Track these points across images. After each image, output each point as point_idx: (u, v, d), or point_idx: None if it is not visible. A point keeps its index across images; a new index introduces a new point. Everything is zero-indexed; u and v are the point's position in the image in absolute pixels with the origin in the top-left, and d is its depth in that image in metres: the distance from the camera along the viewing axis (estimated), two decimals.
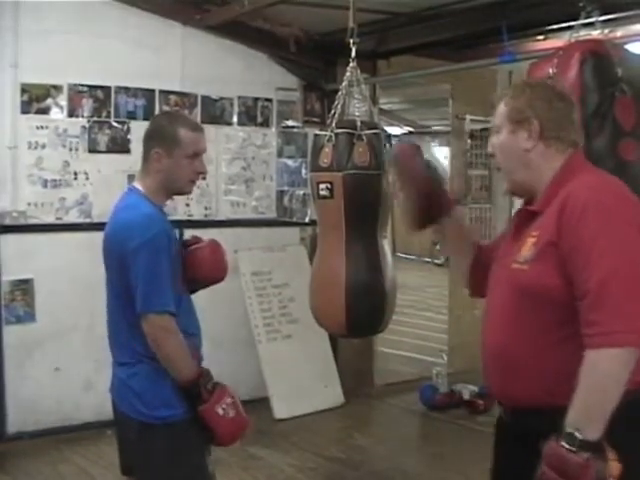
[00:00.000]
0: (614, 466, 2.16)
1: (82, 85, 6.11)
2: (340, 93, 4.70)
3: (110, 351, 3.22)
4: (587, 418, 2.19)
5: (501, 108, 2.59)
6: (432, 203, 2.93)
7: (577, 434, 2.17)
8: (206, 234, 3.46)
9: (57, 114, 6.04)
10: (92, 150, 6.19)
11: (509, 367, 2.49)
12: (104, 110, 6.22)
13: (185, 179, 3.10)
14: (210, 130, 6.55)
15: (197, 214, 6.72)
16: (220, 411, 3.00)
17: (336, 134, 4.33)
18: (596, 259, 2.24)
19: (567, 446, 2.17)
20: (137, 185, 3.16)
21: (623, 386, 2.18)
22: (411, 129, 15.72)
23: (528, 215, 2.54)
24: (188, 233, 3.40)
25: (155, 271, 2.92)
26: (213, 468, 3.18)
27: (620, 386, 2.18)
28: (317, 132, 4.61)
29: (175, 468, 3.03)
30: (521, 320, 2.45)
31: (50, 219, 6.03)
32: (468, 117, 8.19)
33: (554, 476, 2.19)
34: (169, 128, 3.07)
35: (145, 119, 6.33)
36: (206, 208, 6.78)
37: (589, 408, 2.20)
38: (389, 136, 4.55)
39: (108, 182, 6.22)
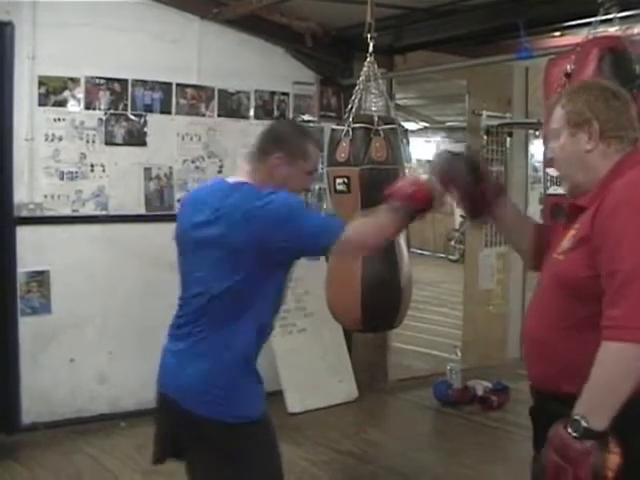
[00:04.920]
0: (612, 459, 2.21)
1: (99, 78, 6.11)
2: (357, 88, 4.71)
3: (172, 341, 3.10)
4: (593, 408, 2.25)
5: (558, 112, 2.63)
6: (477, 201, 3.01)
7: (583, 422, 2.23)
8: None
9: (74, 106, 6.04)
10: (109, 143, 6.19)
11: (540, 351, 2.59)
12: (121, 103, 6.23)
13: (294, 190, 3.08)
14: (227, 124, 6.59)
15: None
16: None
17: (353, 129, 4.35)
18: (620, 255, 2.28)
19: (571, 432, 2.24)
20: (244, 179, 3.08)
21: (633, 381, 2.22)
22: (427, 124, 15.69)
23: (577, 209, 2.57)
24: None
25: (310, 216, 2.97)
26: None
27: (628, 381, 2.22)
28: (334, 127, 4.62)
29: (256, 467, 2.96)
30: (554, 308, 2.54)
31: (66, 211, 6.04)
32: (484, 113, 8.17)
33: (555, 458, 2.27)
34: (300, 140, 3.09)
35: (162, 112, 6.37)
36: None
37: (595, 398, 2.25)
38: (405, 131, 4.56)
39: (124, 175, 6.24)
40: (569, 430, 2.25)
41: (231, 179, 3.10)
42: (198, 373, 2.92)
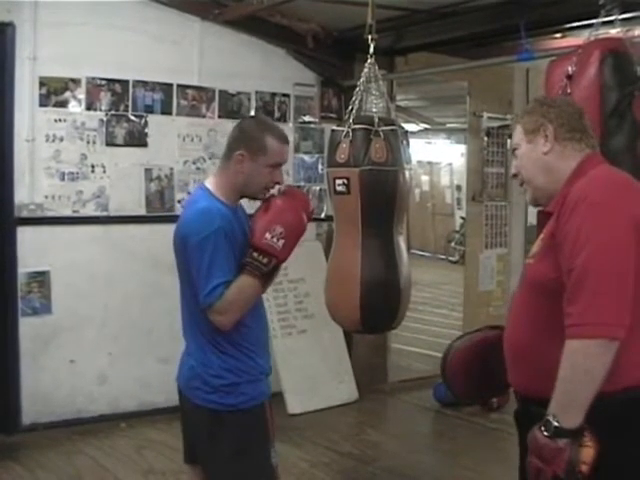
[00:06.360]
0: (586, 452, 2.26)
1: (100, 79, 6.12)
2: (358, 89, 4.70)
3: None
4: (562, 406, 2.30)
5: (517, 129, 2.72)
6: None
7: (553, 421, 2.29)
8: None
9: (75, 107, 6.05)
10: (109, 143, 6.20)
11: (518, 357, 2.62)
12: (122, 104, 6.23)
13: (261, 186, 3.16)
14: (227, 125, 6.55)
15: None
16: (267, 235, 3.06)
17: (353, 130, 4.34)
18: (576, 251, 2.31)
19: (544, 432, 2.30)
20: (207, 182, 3.25)
21: (597, 377, 2.25)
22: (427, 126, 15.68)
23: (546, 217, 2.60)
24: None
25: (209, 266, 2.98)
26: (277, 460, 3.24)
27: (591, 377, 2.26)
28: (334, 128, 4.61)
29: (242, 457, 3.09)
30: (528, 312, 2.58)
31: (67, 212, 6.05)
32: (485, 114, 8.16)
33: (534, 460, 2.33)
34: (258, 134, 3.15)
35: (163, 113, 6.38)
36: None
37: (564, 397, 2.30)
38: (406, 132, 4.55)
39: (125, 175, 6.25)
40: (543, 430, 2.30)
41: (206, 183, 3.26)
42: (190, 365, 3.19)
